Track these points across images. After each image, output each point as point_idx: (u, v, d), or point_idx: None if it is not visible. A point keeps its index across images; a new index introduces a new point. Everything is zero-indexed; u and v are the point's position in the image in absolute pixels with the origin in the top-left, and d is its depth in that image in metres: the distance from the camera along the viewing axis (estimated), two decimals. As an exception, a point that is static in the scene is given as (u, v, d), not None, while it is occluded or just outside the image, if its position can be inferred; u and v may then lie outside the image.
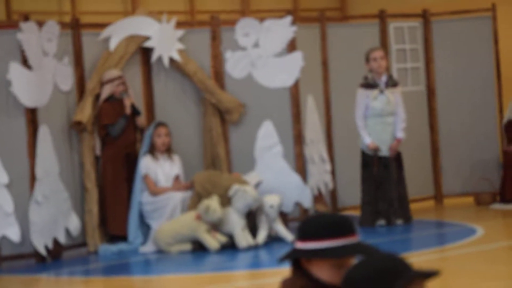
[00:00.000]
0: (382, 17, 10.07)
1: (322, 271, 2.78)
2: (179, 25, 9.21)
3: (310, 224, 2.87)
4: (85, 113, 8.59)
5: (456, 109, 10.23)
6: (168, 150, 8.77)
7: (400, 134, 8.96)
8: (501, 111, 10.37)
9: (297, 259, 2.93)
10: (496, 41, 10.35)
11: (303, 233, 2.87)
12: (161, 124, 8.79)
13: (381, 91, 8.95)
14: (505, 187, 9.86)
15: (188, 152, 9.05)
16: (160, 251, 8.29)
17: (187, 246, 8.22)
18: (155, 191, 8.63)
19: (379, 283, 2.29)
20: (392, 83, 9.04)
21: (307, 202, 8.94)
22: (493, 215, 9.34)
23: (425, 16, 10.28)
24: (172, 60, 9.02)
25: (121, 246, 8.54)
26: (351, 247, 2.78)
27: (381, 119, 8.96)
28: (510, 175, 9.83)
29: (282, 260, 2.93)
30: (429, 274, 2.33)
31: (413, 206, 9.35)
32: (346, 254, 2.76)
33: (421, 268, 2.34)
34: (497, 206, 9.81)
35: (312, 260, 2.83)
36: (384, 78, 8.99)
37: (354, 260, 2.71)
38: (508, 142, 10.08)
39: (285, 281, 2.94)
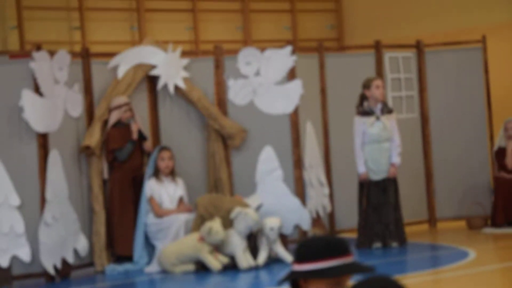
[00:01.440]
0: (378, 47, 10.06)
1: None
2: (184, 54, 9.20)
3: (306, 247, 2.87)
4: (94, 138, 8.56)
5: (448, 136, 10.20)
6: (172, 173, 8.73)
7: (396, 159, 8.93)
8: (491, 138, 10.34)
9: (295, 280, 2.92)
10: (486, 71, 10.34)
11: (300, 255, 2.87)
12: (164, 148, 8.76)
13: (377, 118, 8.94)
14: (496, 211, 9.80)
15: (192, 175, 9.01)
16: (164, 271, 8.21)
17: (191, 267, 8.15)
18: (160, 213, 8.57)
19: None
20: (387, 110, 9.03)
21: (306, 224, 8.88)
22: (484, 239, 9.28)
23: (419, 47, 10.28)
24: (177, 88, 9.00)
25: (127, 266, 8.47)
26: (346, 266, 2.77)
27: (378, 145, 8.94)
28: (500, 200, 9.78)
29: (281, 282, 2.94)
30: None
31: (407, 229, 9.29)
32: (342, 274, 2.75)
33: None
34: (488, 230, 9.74)
35: (309, 281, 2.82)
36: (379, 106, 8.98)
37: (350, 279, 2.69)
38: (498, 168, 10.03)
39: None
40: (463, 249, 8.53)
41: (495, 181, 10.02)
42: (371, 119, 8.93)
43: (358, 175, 8.90)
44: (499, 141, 10.15)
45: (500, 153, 10.05)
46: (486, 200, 10.07)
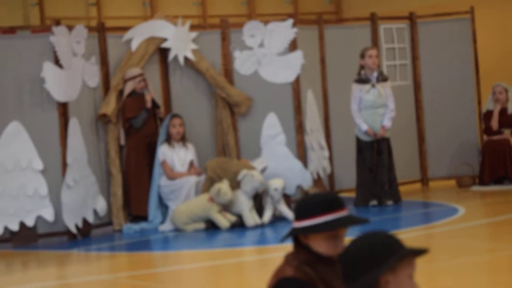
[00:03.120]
0: (373, 19, 10.00)
1: (319, 244, 2.80)
2: (192, 28, 9.17)
3: (304, 204, 2.89)
4: (110, 106, 8.57)
5: (439, 101, 10.18)
6: (183, 139, 8.74)
7: (387, 123, 8.92)
8: (479, 102, 10.32)
9: (296, 236, 2.94)
10: (474, 40, 10.28)
11: (299, 213, 2.90)
12: (175, 115, 8.77)
13: (373, 85, 8.93)
14: (484, 171, 9.80)
15: (201, 141, 9.03)
16: (177, 230, 8.27)
17: (201, 225, 8.20)
18: (172, 176, 8.60)
19: (374, 258, 2.26)
20: (382, 78, 9.02)
21: (307, 185, 8.91)
22: (473, 196, 9.29)
23: (411, 18, 10.22)
24: (186, 59, 8.99)
25: (142, 225, 8.53)
26: (342, 219, 2.79)
27: (373, 111, 8.93)
28: (488, 160, 9.78)
29: (283, 239, 2.95)
30: (420, 252, 2.30)
31: (401, 188, 9.31)
32: (337, 227, 2.77)
33: (411, 246, 2.31)
34: (477, 188, 9.75)
35: (309, 236, 2.84)
36: (375, 74, 8.96)
37: (346, 231, 2.71)
38: (485, 130, 10.02)
39: (287, 255, 2.95)
40: (453, 205, 8.56)
41: (483, 142, 10.02)
42: (367, 86, 8.93)
43: (360, 135, 8.86)
44: (487, 105, 10.12)
45: (488, 116, 10.03)
46: (474, 160, 10.07)
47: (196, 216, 8.17)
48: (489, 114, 10.01)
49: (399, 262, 2.27)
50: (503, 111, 9.93)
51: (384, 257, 2.28)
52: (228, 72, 9.13)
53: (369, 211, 8.70)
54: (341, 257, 2.36)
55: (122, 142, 8.71)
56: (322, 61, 9.66)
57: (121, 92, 8.74)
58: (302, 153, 9.10)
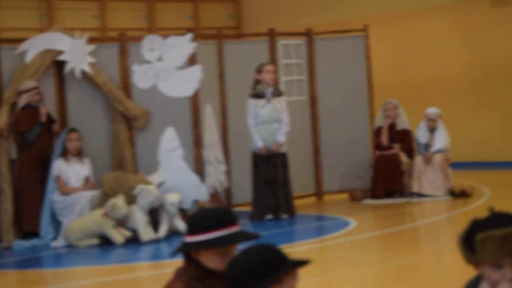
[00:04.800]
0: (272, 35, 10.06)
1: (209, 260, 2.78)
2: (90, 40, 8.99)
3: (196, 219, 2.88)
4: (2, 120, 8.29)
5: (335, 116, 10.30)
6: (79, 154, 8.55)
7: (281, 137, 8.97)
8: (372, 117, 10.51)
9: (187, 250, 2.92)
10: (368, 57, 10.48)
11: (191, 228, 2.88)
12: (72, 130, 8.57)
13: (268, 100, 8.98)
14: (375, 185, 9.98)
15: (97, 155, 8.84)
16: (70, 246, 8.05)
17: (95, 241, 8.01)
18: (66, 191, 8.39)
19: (259, 272, 2.29)
20: (277, 93, 9.07)
21: (204, 199, 8.84)
22: (364, 209, 9.43)
23: (308, 35, 10.32)
24: (84, 72, 8.79)
25: (33, 241, 8.25)
26: (233, 236, 2.79)
27: (269, 126, 8.97)
28: (379, 175, 9.96)
29: (174, 253, 2.93)
30: (303, 263, 2.35)
31: (297, 202, 9.37)
32: (228, 243, 2.77)
33: (295, 257, 2.34)
34: (368, 201, 9.92)
35: (200, 251, 2.82)
36: (270, 89, 9.01)
37: (237, 247, 2.71)
38: (377, 146, 10.21)
39: (177, 270, 2.93)
40: (345, 219, 8.67)
41: (375, 157, 10.21)
42: (262, 101, 8.96)
43: (258, 150, 8.89)
44: (378, 121, 10.33)
45: (379, 132, 10.23)
46: (366, 174, 10.24)
47: (90, 232, 7.98)
48: (380, 130, 10.21)
49: (285, 274, 2.30)
50: (392, 127, 10.15)
51: (270, 270, 2.30)
52: (126, 85, 8.98)
53: (264, 225, 8.71)
54: (227, 271, 2.34)
55: (14, 156, 8.43)
56: (221, 75, 9.63)
57: (14, 105, 8.47)
58: (199, 167, 9.04)
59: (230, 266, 2.34)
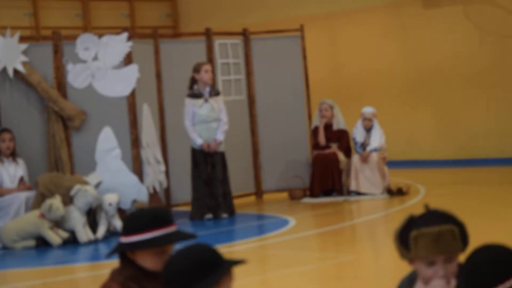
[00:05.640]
0: (208, 34, 10.06)
1: (145, 260, 2.77)
2: (23, 39, 8.84)
3: (131, 220, 2.85)
4: None
5: (272, 116, 10.37)
6: (13, 154, 8.39)
7: (219, 136, 8.98)
8: (310, 117, 10.62)
9: (123, 251, 2.89)
10: (304, 57, 10.59)
11: (126, 228, 2.85)
12: (5, 130, 8.41)
13: (206, 100, 8.98)
14: (314, 183, 10.08)
15: (32, 156, 8.69)
16: (5, 248, 7.88)
17: (31, 242, 7.87)
18: (0, 192, 8.22)
19: (196, 273, 2.27)
20: (214, 92, 9.08)
21: (143, 199, 8.79)
22: (303, 208, 9.52)
23: (245, 34, 10.37)
24: (16, 72, 8.63)
25: (-33, 244, 8.06)
26: (169, 236, 2.77)
27: (207, 125, 8.97)
28: (317, 173, 10.07)
29: (109, 254, 2.90)
30: (239, 262, 2.34)
31: (237, 201, 9.39)
32: (163, 243, 2.76)
33: (230, 257, 2.33)
34: (307, 200, 10.01)
35: (135, 251, 2.80)
36: (208, 89, 9.02)
37: (173, 247, 2.69)
38: (314, 145, 10.32)
39: (113, 271, 2.90)
40: (285, 217, 8.73)
41: (313, 156, 10.32)
42: (200, 101, 8.96)
43: (196, 147, 8.88)
44: (315, 121, 10.44)
45: (316, 132, 10.34)
46: (305, 173, 10.34)
47: (26, 233, 7.83)
48: (316, 129, 10.32)
49: (221, 275, 2.28)
50: (328, 127, 10.28)
51: (206, 271, 2.28)
52: (61, 85, 8.86)
53: (204, 224, 8.70)
54: (162, 272, 2.32)
55: None
56: (158, 75, 9.59)
57: None
58: (138, 167, 8.97)
59: (165, 267, 2.32)
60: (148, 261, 2.80)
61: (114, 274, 2.87)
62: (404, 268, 2.84)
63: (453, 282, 2.69)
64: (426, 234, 2.64)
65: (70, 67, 8.88)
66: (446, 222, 2.70)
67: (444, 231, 2.64)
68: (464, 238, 2.72)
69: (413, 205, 8.88)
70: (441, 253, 2.65)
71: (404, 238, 2.70)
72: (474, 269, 2.31)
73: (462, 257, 2.79)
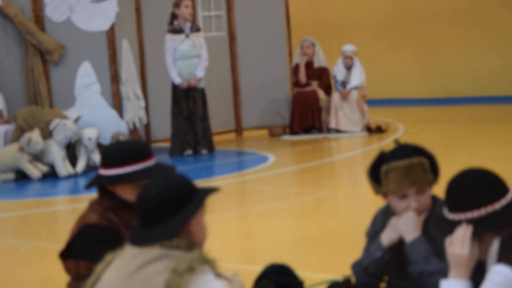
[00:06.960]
0: (190, -31, 9.91)
1: (125, 192, 2.79)
2: (0, -30, 8.67)
3: (110, 153, 2.85)
4: None
5: (253, 53, 10.33)
6: (-9, 88, 8.33)
7: (199, 72, 8.96)
8: (290, 55, 10.59)
9: (102, 184, 2.89)
10: (286, -7, 10.50)
11: (106, 161, 2.84)
12: (-17, 63, 8.33)
13: (187, 36, 8.92)
14: (294, 121, 10.12)
15: (11, 89, 8.64)
16: (-16, 180, 7.91)
17: (10, 175, 7.89)
18: (-21, 126, 8.20)
19: (174, 203, 2.27)
20: (195, 28, 9.02)
21: (123, 134, 8.79)
22: (283, 145, 9.58)
23: (226, -31, 10.24)
24: (-7, 4, 8.51)
25: None
26: (148, 169, 2.78)
27: (188, 61, 8.94)
28: (297, 111, 10.09)
29: (88, 186, 2.90)
30: (213, 191, 2.36)
31: (217, 138, 9.42)
32: (143, 178, 2.76)
33: (202, 186, 2.34)
34: (287, 137, 10.06)
35: (116, 185, 2.81)
36: (188, 24, 8.95)
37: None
38: (295, 83, 10.33)
39: (92, 202, 2.92)
40: (264, 154, 8.79)
41: (293, 94, 10.34)
42: (181, 36, 8.90)
43: (177, 85, 8.86)
44: (295, 58, 10.41)
45: (297, 69, 10.33)
46: (285, 111, 10.37)
47: (5, 166, 7.85)
48: (297, 67, 10.31)
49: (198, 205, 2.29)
50: (309, 65, 10.27)
51: (185, 201, 2.28)
52: (39, 18, 8.75)
53: (184, 160, 8.75)
54: (137, 201, 2.30)
55: None
56: (137, 10, 9.48)
57: None
58: (117, 103, 8.95)
59: (139, 199, 2.28)
60: (127, 193, 2.81)
61: (93, 205, 2.90)
62: (381, 202, 2.90)
63: (424, 214, 2.75)
64: (395, 168, 2.70)
65: (48, 0, 8.75)
66: (416, 155, 2.74)
67: (414, 164, 2.69)
68: (434, 170, 2.76)
69: (391, 143, 8.95)
70: (412, 185, 2.71)
71: (376, 174, 2.75)
72: (458, 189, 2.30)
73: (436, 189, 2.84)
